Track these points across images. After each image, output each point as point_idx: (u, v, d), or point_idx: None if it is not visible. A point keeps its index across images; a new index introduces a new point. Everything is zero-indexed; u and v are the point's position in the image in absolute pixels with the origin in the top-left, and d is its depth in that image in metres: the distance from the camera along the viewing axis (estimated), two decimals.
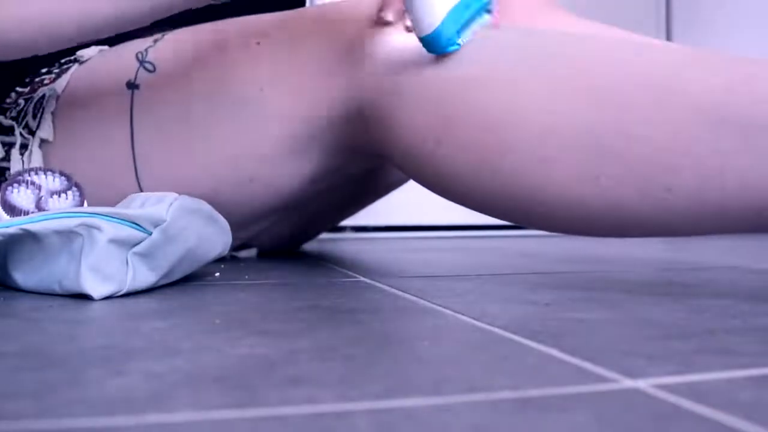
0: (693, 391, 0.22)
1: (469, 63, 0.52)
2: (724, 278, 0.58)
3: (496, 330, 0.33)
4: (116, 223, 0.43)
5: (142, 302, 0.42)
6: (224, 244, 0.55)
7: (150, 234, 0.45)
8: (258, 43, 0.63)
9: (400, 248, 1.04)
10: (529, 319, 0.36)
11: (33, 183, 0.49)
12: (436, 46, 0.51)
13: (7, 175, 0.63)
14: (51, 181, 0.50)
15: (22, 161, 0.64)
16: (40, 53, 0.57)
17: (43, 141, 0.65)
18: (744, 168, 0.43)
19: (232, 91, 0.62)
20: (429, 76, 0.53)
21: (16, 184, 0.48)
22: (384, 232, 1.51)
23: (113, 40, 0.69)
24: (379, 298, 0.45)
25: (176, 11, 0.55)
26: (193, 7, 0.55)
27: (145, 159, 0.64)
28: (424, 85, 0.53)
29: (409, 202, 1.39)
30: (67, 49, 0.60)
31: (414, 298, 0.44)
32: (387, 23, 0.57)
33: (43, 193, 0.49)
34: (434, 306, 0.41)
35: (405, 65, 0.55)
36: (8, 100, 0.68)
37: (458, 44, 0.51)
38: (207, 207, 0.52)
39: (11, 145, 0.64)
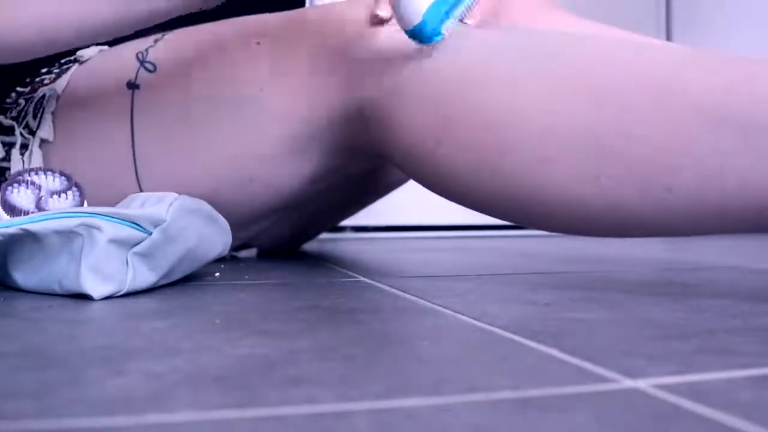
0: (693, 391, 0.22)
1: (470, 63, 0.52)
2: (724, 278, 0.58)
3: (496, 330, 0.33)
4: (116, 223, 0.43)
5: (142, 302, 0.42)
6: (224, 244, 0.55)
7: (150, 234, 0.45)
8: (258, 43, 0.63)
9: (400, 248, 1.04)
10: (529, 319, 0.36)
11: (33, 183, 0.49)
12: (421, 38, 0.51)
13: (7, 175, 0.63)
14: (51, 181, 0.50)
15: (23, 161, 0.64)
16: (39, 56, 0.57)
17: (43, 141, 0.65)
18: (744, 168, 0.43)
19: (232, 91, 0.62)
20: (429, 76, 0.53)
21: (16, 184, 0.48)
22: (384, 232, 1.51)
23: (113, 41, 0.69)
24: (379, 298, 0.45)
25: (174, 16, 0.55)
26: (191, 12, 0.55)
27: (146, 159, 0.64)
28: (424, 85, 0.53)
29: (409, 202, 1.39)
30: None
31: (414, 298, 0.44)
32: (381, 21, 0.57)
33: (43, 193, 0.49)
34: (434, 306, 0.41)
35: (405, 65, 0.55)
36: (8, 100, 0.68)
37: (442, 34, 0.51)
38: (207, 207, 0.52)
39: (11, 145, 0.64)
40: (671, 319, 0.36)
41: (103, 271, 0.43)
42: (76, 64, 0.68)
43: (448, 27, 0.52)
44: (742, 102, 0.44)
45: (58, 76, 0.67)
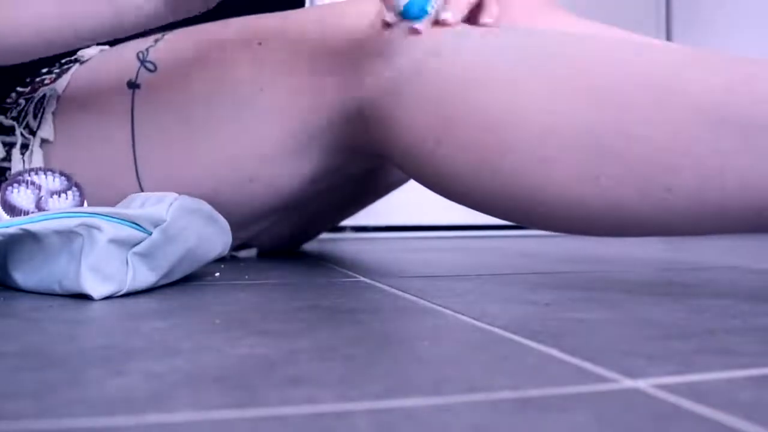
0: (693, 391, 0.22)
1: (469, 63, 0.52)
2: (724, 278, 0.58)
3: (496, 330, 0.33)
4: (116, 223, 0.43)
5: (142, 302, 0.42)
6: (224, 244, 0.55)
7: (150, 234, 0.45)
8: (259, 44, 0.63)
9: (400, 248, 1.04)
10: (529, 319, 0.36)
11: (33, 183, 0.49)
12: (409, 17, 0.54)
13: (7, 174, 0.63)
14: (51, 181, 0.50)
15: (23, 161, 0.64)
16: (38, 57, 0.57)
17: (43, 141, 0.65)
18: (744, 168, 0.43)
19: (233, 91, 0.62)
20: (429, 76, 0.53)
21: (16, 184, 0.48)
22: (384, 232, 1.51)
23: (114, 40, 0.69)
24: (379, 298, 0.45)
25: (173, 20, 0.55)
26: (191, 15, 0.55)
27: (146, 158, 0.64)
28: (424, 85, 0.53)
29: (409, 202, 1.39)
30: None
31: (414, 298, 0.44)
32: (389, 25, 0.57)
33: (43, 193, 0.49)
34: (434, 306, 0.41)
35: (405, 65, 0.55)
36: (9, 100, 0.68)
37: (428, 11, 0.54)
38: (207, 207, 0.52)
39: (12, 144, 0.64)
40: (671, 319, 0.36)
41: (103, 271, 0.43)
42: (77, 64, 0.68)
43: (433, 5, 0.54)
44: (742, 102, 0.44)
45: (59, 76, 0.67)
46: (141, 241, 0.44)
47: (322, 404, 0.21)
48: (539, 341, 0.30)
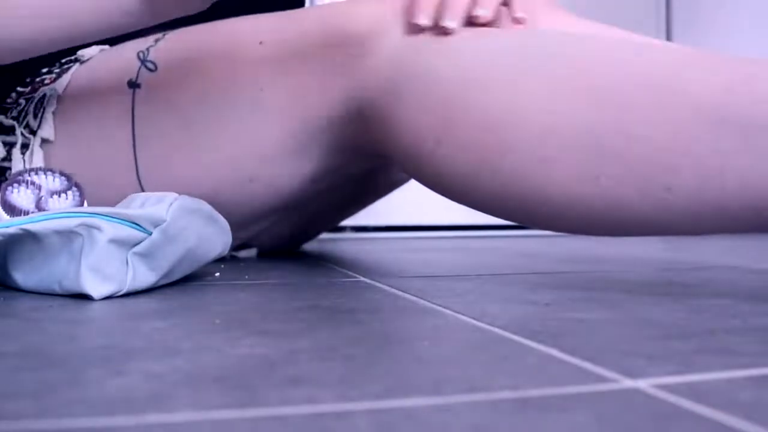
0: (693, 391, 0.22)
1: (470, 63, 0.52)
2: (724, 278, 0.58)
3: (496, 330, 0.33)
4: (116, 223, 0.43)
5: (142, 302, 0.42)
6: (224, 244, 0.55)
7: (150, 234, 0.45)
8: (260, 43, 0.63)
9: (400, 248, 1.04)
10: (529, 319, 0.36)
11: (33, 183, 0.49)
12: None
13: (8, 174, 0.63)
14: (51, 181, 0.50)
15: (23, 161, 0.64)
16: (14, 61, 0.57)
17: (44, 140, 0.65)
18: (744, 168, 0.43)
19: (233, 90, 0.62)
20: (429, 76, 0.53)
21: (16, 184, 0.48)
22: (384, 232, 1.51)
23: (114, 40, 0.69)
24: (379, 298, 0.45)
25: (154, 23, 0.55)
26: (179, 17, 0.55)
27: (146, 158, 0.64)
28: (425, 85, 0.53)
29: (409, 202, 1.39)
30: (68, 48, 0.60)
31: (414, 298, 0.44)
32: (421, 29, 0.56)
33: (43, 193, 0.49)
34: (434, 306, 0.41)
35: (405, 66, 0.55)
36: (9, 100, 0.68)
37: None
38: (207, 207, 0.52)
39: (12, 144, 0.64)
40: (671, 319, 0.36)
41: (103, 271, 0.43)
42: (77, 64, 0.68)
43: None
44: (742, 102, 0.44)
45: (59, 75, 0.67)
46: (141, 241, 0.44)
47: (322, 404, 0.21)
48: (539, 341, 0.30)
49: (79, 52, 0.69)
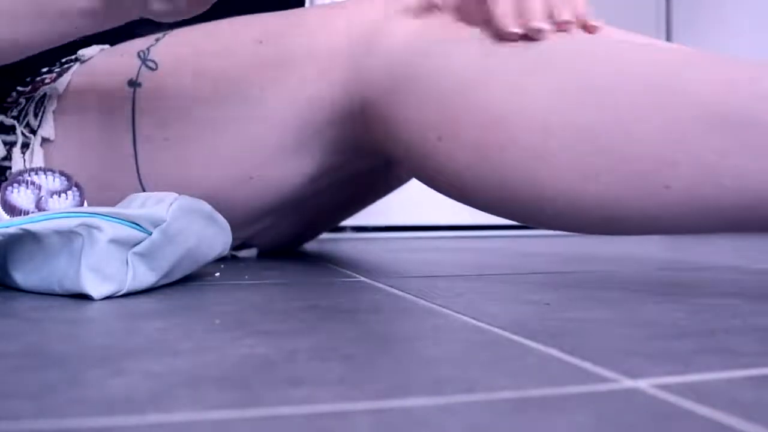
0: (693, 391, 0.22)
1: (471, 62, 0.52)
2: (725, 278, 0.58)
3: (496, 330, 0.33)
4: (116, 223, 0.43)
5: (142, 302, 0.42)
6: (224, 244, 0.55)
7: (150, 234, 0.45)
8: (260, 42, 0.63)
9: (400, 248, 1.04)
10: (529, 319, 0.36)
11: (33, 183, 0.49)
12: None
13: (8, 174, 0.63)
14: (51, 181, 0.50)
15: (24, 160, 0.64)
16: None
17: (44, 140, 0.65)
18: (743, 167, 0.43)
19: (233, 90, 0.62)
20: (430, 75, 0.53)
21: (16, 184, 0.48)
22: (384, 232, 1.51)
23: (114, 40, 0.69)
24: (379, 298, 0.45)
25: (109, 24, 0.54)
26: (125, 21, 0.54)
27: (147, 157, 0.64)
28: (426, 84, 0.54)
29: (409, 202, 1.39)
30: (68, 48, 0.60)
31: (414, 298, 0.44)
32: (436, 5, 0.56)
33: (43, 193, 0.49)
34: (434, 306, 0.41)
35: (406, 65, 0.55)
36: (9, 100, 0.68)
37: None
38: (207, 207, 0.52)
39: (13, 144, 0.64)
40: (671, 319, 0.36)
41: (103, 271, 0.43)
42: (77, 63, 0.68)
43: None
44: (741, 102, 0.44)
45: (59, 75, 0.67)
46: (141, 241, 0.44)
47: (322, 404, 0.21)
48: (539, 341, 0.30)
49: (80, 52, 0.69)
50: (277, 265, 0.69)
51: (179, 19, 0.52)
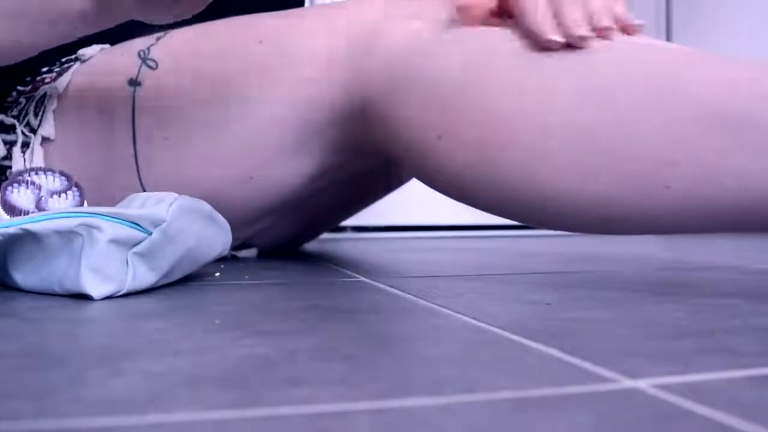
0: (693, 391, 0.22)
1: (471, 62, 0.52)
2: (725, 278, 0.58)
3: (496, 330, 0.33)
4: (116, 223, 0.43)
5: (142, 302, 0.42)
6: (224, 244, 0.55)
7: (150, 234, 0.45)
8: (260, 42, 0.63)
9: (400, 248, 1.04)
10: (529, 319, 0.36)
11: (33, 183, 0.49)
12: None
13: (8, 173, 0.63)
14: (51, 181, 0.50)
15: (24, 159, 0.64)
16: None
17: (44, 139, 0.65)
18: (743, 167, 0.43)
19: (233, 89, 0.62)
20: (431, 74, 0.53)
21: (16, 184, 0.48)
22: (384, 232, 1.51)
23: (114, 39, 0.69)
24: (379, 298, 0.45)
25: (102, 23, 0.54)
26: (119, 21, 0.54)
27: (147, 156, 0.64)
28: (426, 84, 0.54)
29: (409, 202, 1.39)
30: (68, 47, 0.60)
31: (414, 298, 0.44)
32: (558, 44, 0.50)
33: (43, 193, 0.49)
34: (434, 306, 0.41)
35: (406, 65, 0.55)
36: (9, 99, 0.68)
37: None
38: (207, 207, 0.52)
39: (13, 143, 0.64)
40: (671, 319, 0.36)
41: (103, 271, 0.43)
42: (78, 63, 0.68)
43: None
44: (741, 102, 0.44)
45: (60, 74, 0.67)
46: (141, 241, 0.44)
47: (322, 404, 0.21)
48: (539, 341, 0.30)
49: (80, 51, 0.69)
50: (277, 265, 0.69)
51: (171, 21, 0.52)
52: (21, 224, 0.42)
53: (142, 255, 0.45)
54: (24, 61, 0.59)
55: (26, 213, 0.46)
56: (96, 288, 0.42)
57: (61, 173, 0.50)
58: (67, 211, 0.43)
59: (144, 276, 0.45)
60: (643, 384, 0.23)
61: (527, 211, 0.52)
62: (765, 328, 0.34)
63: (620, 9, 0.52)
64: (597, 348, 0.29)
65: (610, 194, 0.47)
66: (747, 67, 0.46)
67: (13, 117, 0.66)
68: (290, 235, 0.86)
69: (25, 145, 0.64)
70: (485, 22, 0.54)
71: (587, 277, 0.59)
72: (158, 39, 0.67)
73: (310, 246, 1.07)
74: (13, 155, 0.64)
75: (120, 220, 0.44)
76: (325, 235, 1.34)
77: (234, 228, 0.62)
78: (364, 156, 0.67)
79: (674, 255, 0.86)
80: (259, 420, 0.20)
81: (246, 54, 0.63)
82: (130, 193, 0.60)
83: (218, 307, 0.41)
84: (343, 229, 1.48)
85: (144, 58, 0.65)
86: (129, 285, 0.44)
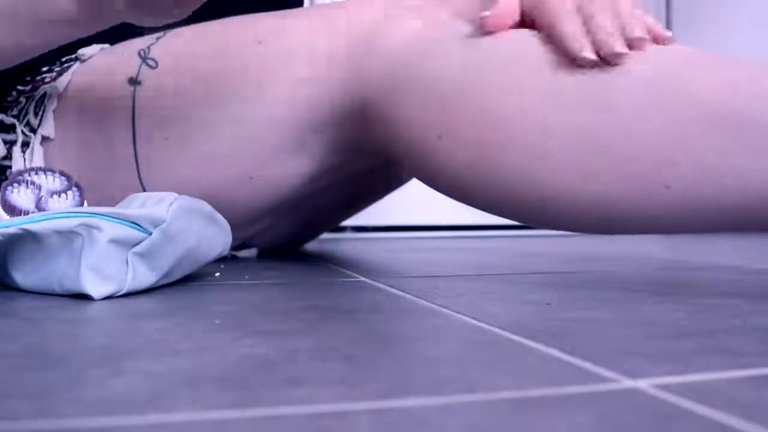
0: (693, 391, 0.22)
1: (471, 62, 0.52)
2: (725, 278, 0.58)
3: (496, 330, 0.33)
4: (116, 223, 0.43)
5: (142, 302, 0.42)
6: (224, 244, 0.55)
7: (150, 234, 0.45)
8: (260, 42, 0.63)
9: (400, 248, 1.04)
10: (529, 319, 0.36)
11: (33, 183, 0.49)
12: None
13: (8, 173, 0.63)
14: (51, 181, 0.50)
15: (24, 159, 0.64)
16: None
17: (44, 138, 0.65)
18: (742, 167, 0.43)
19: (233, 89, 0.62)
20: (431, 74, 0.53)
21: (16, 184, 0.48)
22: (384, 232, 1.51)
23: (114, 39, 0.69)
24: (379, 298, 0.45)
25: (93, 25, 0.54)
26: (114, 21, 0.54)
27: (147, 156, 0.64)
28: (426, 84, 0.54)
29: (409, 202, 1.39)
30: (68, 47, 0.60)
31: (414, 298, 0.44)
32: (592, 62, 0.48)
33: (43, 193, 0.49)
34: (434, 306, 0.41)
35: (406, 65, 0.55)
36: (9, 98, 0.68)
37: None
38: (207, 207, 0.52)
39: (13, 142, 0.64)
40: (671, 319, 0.36)
41: (103, 271, 0.43)
42: (77, 62, 0.68)
43: None
44: (741, 102, 0.44)
45: (59, 74, 0.67)
46: (141, 241, 0.44)
47: (322, 404, 0.21)
48: (539, 341, 0.30)
49: (80, 51, 0.69)
50: (277, 265, 0.69)
51: (162, 24, 0.51)
52: (21, 224, 0.42)
53: (142, 255, 0.45)
54: (24, 61, 0.59)
55: (26, 213, 0.46)
56: (96, 288, 0.43)
57: (61, 173, 0.50)
58: (67, 211, 0.43)
59: (144, 276, 0.45)
60: (643, 384, 0.23)
61: (527, 211, 0.52)
62: (765, 328, 0.34)
63: (649, 17, 0.50)
64: (597, 348, 0.29)
65: (610, 194, 0.47)
66: (747, 67, 0.46)
67: (13, 116, 0.66)
68: (290, 235, 0.86)
69: (25, 145, 0.64)
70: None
71: (587, 277, 0.59)
72: (158, 38, 0.67)
73: (311, 246, 1.07)
74: (13, 155, 0.64)
75: (120, 220, 0.44)
76: (325, 235, 1.34)
77: (234, 228, 0.62)
78: (364, 156, 0.67)
79: (674, 255, 0.86)
80: (259, 420, 0.20)
81: (246, 54, 0.63)
82: (130, 193, 0.60)
83: (218, 307, 0.41)
84: (343, 229, 1.48)
85: (144, 57, 0.65)
86: (129, 285, 0.44)
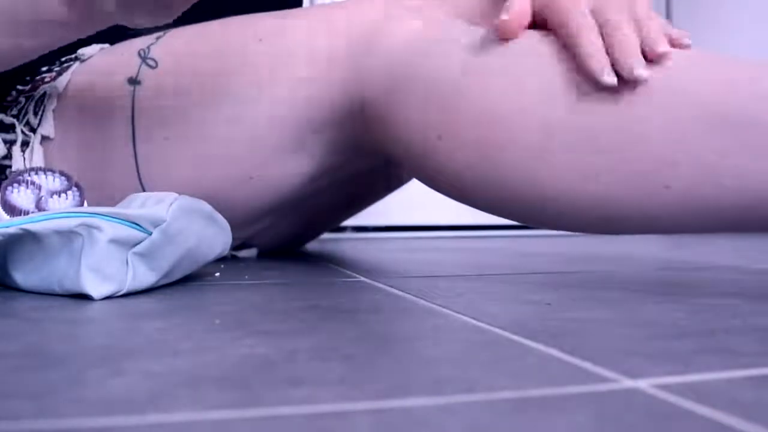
0: (693, 391, 0.22)
1: (470, 61, 0.52)
2: (725, 278, 0.58)
3: (496, 330, 0.33)
4: (116, 223, 0.43)
5: (142, 302, 0.42)
6: (224, 244, 0.55)
7: (150, 234, 0.45)
8: (260, 41, 0.63)
9: (400, 248, 1.04)
10: (529, 319, 0.36)
11: (33, 183, 0.49)
12: None
13: (8, 172, 0.63)
14: (51, 181, 0.50)
15: (24, 158, 0.64)
16: None
17: (44, 138, 0.65)
18: (742, 167, 0.43)
19: (233, 89, 0.62)
20: (431, 74, 0.53)
21: (16, 184, 0.48)
22: (384, 232, 1.51)
23: (114, 39, 0.69)
24: (379, 298, 0.45)
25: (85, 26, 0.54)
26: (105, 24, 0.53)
27: (146, 156, 0.64)
28: (426, 84, 0.54)
29: (409, 202, 1.39)
30: (68, 47, 0.60)
31: (414, 298, 0.44)
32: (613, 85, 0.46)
33: (43, 193, 0.49)
34: (434, 306, 0.41)
35: (406, 64, 0.55)
36: (9, 98, 0.68)
37: None
38: (207, 207, 0.52)
39: (13, 142, 0.64)
40: (671, 319, 0.36)
41: (103, 271, 0.43)
42: (77, 62, 0.68)
43: None
44: (741, 102, 0.44)
45: (59, 74, 0.67)
46: (141, 241, 0.44)
47: (322, 404, 0.21)
48: (539, 341, 0.30)
49: (80, 51, 0.69)
50: (277, 265, 0.69)
51: (153, 26, 0.51)
52: (21, 224, 0.42)
53: (142, 255, 0.45)
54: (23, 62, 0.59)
55: (26, 213, 0.46)
56: (96, 288, 0.43)
57: (61, 173, 0.50)
58: (67, 211, 0.43)
59: (144, 276, 0.45)
60: (643, 384, 0.23)
61: (527, 211, 0.52)
62: (765, 328, 0.34)
63: (668, 26, 0.49)
64: (597, 348, 0.29)
65: (610, 194, 0.47)
66: (747, 67, 0.46)
67: (13, 116, 0.66)
68: (290, 235, 0.86)
69: (25, 144, 0.64)
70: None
71: (587, 277, 0.59)
72: (158, 38, 0.67)
73: (310, 246, 1.07)
74: (13, 154, 0.64)
75: (120, 220, 0.44)
76: (325, 235, 1.34)
77: (234, 228, 0.62)
78: (364, 156, 0.67)
79: (674, 255, 0.86)
80: (259, 420, 0.20)
81: (245, 54, 0.63)
82: (130, 193, 0.60)
83: (218, 307, 0.41)
84: (343, 229, 1.48)
85: (144, 57, 0.65)
86: (129, 285, 0.44)
